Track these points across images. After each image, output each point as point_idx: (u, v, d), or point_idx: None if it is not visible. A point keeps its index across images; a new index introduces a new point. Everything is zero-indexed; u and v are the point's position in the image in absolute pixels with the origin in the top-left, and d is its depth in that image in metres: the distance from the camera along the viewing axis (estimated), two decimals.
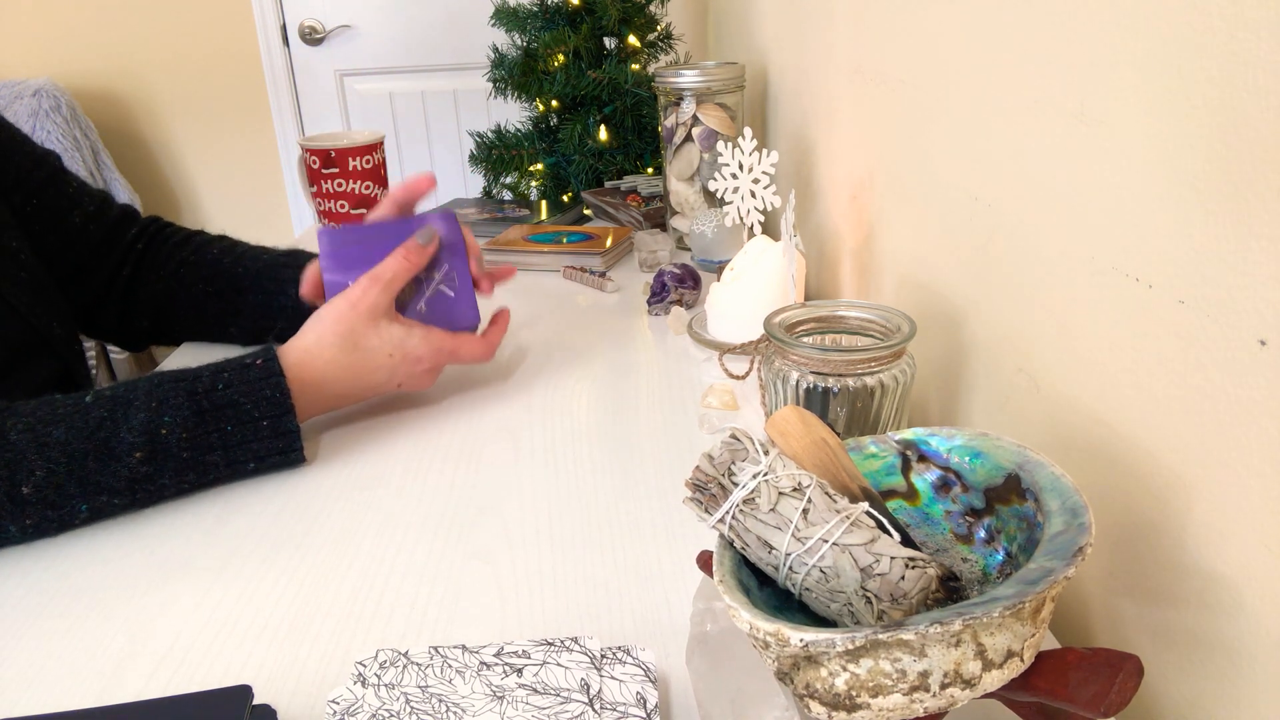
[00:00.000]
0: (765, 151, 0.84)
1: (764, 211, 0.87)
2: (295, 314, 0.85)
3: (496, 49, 1.40)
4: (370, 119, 2.61)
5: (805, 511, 0.37)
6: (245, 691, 0.40)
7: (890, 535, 0.37)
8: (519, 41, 1.39)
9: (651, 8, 1.39)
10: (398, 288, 0.73)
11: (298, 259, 0.89)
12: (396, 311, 0.74)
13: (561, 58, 1.34)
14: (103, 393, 0.63)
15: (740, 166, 0.87)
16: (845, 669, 0.32)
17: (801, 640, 0.32)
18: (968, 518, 0.43)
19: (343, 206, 1.14)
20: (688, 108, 1.09)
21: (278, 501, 0.65)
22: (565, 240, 1.16)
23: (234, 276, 0.89)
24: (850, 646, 0.32)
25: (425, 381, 0.76)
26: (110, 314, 0.92)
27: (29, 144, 0.88)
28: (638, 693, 0.41)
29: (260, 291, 0.88)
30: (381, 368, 0.72)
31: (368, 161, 1.12)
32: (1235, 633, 0.38)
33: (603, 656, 0.43)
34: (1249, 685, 0.38)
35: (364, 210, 1.11)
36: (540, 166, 1.39)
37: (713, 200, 1.12)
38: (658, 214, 1.24)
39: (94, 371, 2.22)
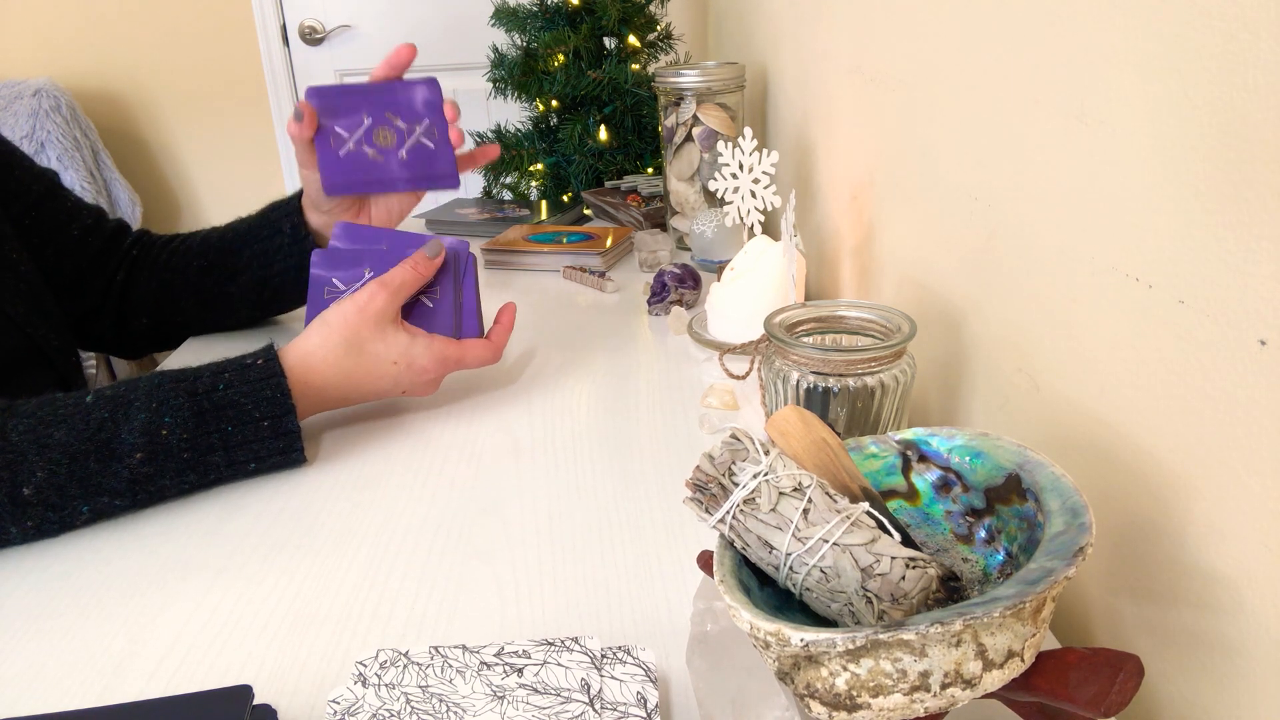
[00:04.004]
0: (765, 151, 0.84)
1: (764, 211, 0.87)
2: (294, 248, 0.88)
3: (496, 49, 1.40)
4: None
5: (805, 511, 0.37)
6: (245, 691, 0.40)
7: (890, 535, 0.37)
8: (519, 41, 1.39)
9: (651, 8, 1.39)
10: (405, 296, 0.73)
11: (284, 204, 0.90)
12: (403, 320, 0.74)
13: (561, 58, 1.34)
14: (103, 393, 0.64)
15: (740, 166, 0.87)
16: (846, 669, 0.32)
17: (802, 640, 0.32)
18: (968, 518, 0.43)
19: None
20: (688, 108, 1.09)
21: (278, 502, 0.65)
22: (565, 240, 1.16)
23: (224, 242, 0.91)
24: (851, 646, 0.32)
25: (429, 389, 0.76)
26: (107, 320, 0.93)
27: (28, 160, 0.90)
28: (638, 693, 0.41)
29: (256, 240, 0.90)
30: (386, 375, 0.72)
31: None
32: (1235, 633, 0.38)
33: (603, 656, 0.43)
34: (1249, 685, 0.38)
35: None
36: (540, 166, 1.39)
37: (713, 200, 1.12)
38: (658, 214, 1.24)
39: (94, 375, 2.22)
